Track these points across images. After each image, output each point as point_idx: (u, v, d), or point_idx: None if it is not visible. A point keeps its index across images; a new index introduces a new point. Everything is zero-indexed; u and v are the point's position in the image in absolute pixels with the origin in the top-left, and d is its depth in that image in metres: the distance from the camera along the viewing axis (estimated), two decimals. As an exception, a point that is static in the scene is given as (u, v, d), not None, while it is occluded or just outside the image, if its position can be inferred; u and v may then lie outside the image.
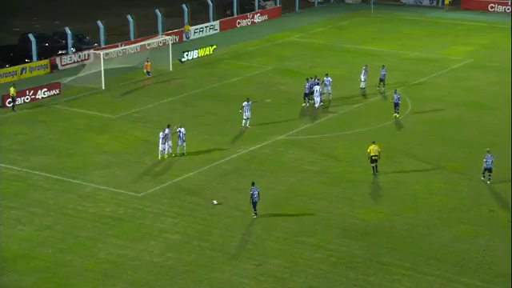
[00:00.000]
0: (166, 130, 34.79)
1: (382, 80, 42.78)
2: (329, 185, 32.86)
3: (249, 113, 38.48)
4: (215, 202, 30.77)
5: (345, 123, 40.14)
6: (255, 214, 29.62)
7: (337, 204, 31.01)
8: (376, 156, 33.06)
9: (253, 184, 29.77)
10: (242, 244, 27.74)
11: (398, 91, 41.42)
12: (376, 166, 33.25)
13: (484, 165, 32.37)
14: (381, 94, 42.28)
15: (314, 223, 29.34)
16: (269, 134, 37.92)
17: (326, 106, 42.35)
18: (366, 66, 45.34)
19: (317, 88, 41.75)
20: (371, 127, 39.50)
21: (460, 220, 29.65)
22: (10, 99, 41.54)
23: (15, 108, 41.55)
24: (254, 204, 29.56)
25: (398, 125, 39.77)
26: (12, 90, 41.63)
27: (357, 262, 26.36)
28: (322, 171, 34.33)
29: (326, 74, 43.61)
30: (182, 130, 35.23)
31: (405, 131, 38.60)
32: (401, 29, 61.16)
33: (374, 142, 33.38)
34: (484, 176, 32.62)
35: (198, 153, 35.85)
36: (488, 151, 32.52)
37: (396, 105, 40.90)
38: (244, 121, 38.58)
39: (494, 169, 32.29)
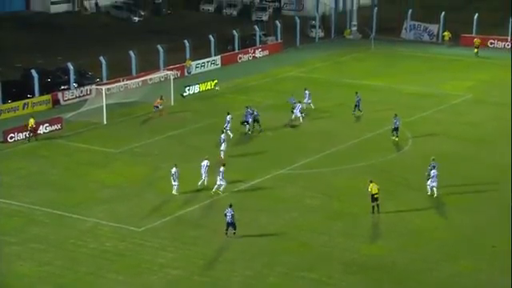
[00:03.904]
0: (205, 162, 34.86)
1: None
2: (329, 219, 32.88)
3: (225, 145, 38.80)
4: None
5: (344, 157, 40.27)
6: (228, 233, 30.33)
7: (338, 238, 31.00)
8: (377, 194, 33.06)
9: (230, 206, 30.56)
10: (244, 279, 27.68)
11: (397, 115, 42.12)
12: (378, 206, 33.12)
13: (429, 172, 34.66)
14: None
15: (315, 258, 29.31)
16: (269, 168, 38.06)
17: (307, 114, 45.54)
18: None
19: (298, 105, 45.05)
20: (371, 161, 39.62)
21: (461, 255, 29.62)
22: (30, 131, 42.08)
23: (31, 139, 42.12)
24: (228, 224, 30.21)
25: (399, 159, 39.91)
26: (32, 121, 42.16)
27: (358, 298, 26.27)
28: (323, 205, 34.38)
29: (305, 88, 47.54)
30: (206, 162, 35.51)
31: (405, 166, 38.73)
32: (401, 64, 61.66)
33: (371, 181, 33.34)
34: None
35: (199, 187, 35.91)
36: (433, 159, 35.03)
37: (396, 129, 41.37)
38: (221, 152, 38.76)
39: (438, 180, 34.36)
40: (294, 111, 45.23)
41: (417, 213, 33.46)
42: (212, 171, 35.91)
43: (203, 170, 35.04)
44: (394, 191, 35.73)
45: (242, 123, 43.24)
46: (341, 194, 35.61)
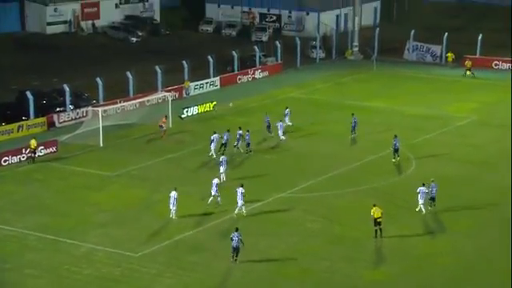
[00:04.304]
0: (215, 180, 35.05)
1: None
2: (331, 244, 32.76)
3: (224, 167, 39.06)
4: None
5: (346, 180, 40.23)
6: (233, 259, 30.21)
7: (339, 264, 30.88)
8: (380, 218, 32.98)
9: (236, 230, 30.45)
10: (242, 306, 27.50)
11: (397, 136, 42.44)
12: (380, 230, 33.05)
13: (430, 194, 35.55)
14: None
15: (316, 284, 29.15)
16: (269, 192, 38.01)
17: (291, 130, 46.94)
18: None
19: (280, 124, 46.03)
20: (374, 184, 39.57)
21: (465, 281, 29.46)
22: (31, 152, 42.19)
23: (30, 161, 42.21)
24: (234, 249, 30.07)
25: (402, 182, 39.87)
26: (33, 142, 42.24)
27: (360, 325, 26.09)
28: (324, 230, 34.27)
29: (286, 107, 48.67)
30: (215, 180, 36.11)
31: (408, 189, 38.62)
32: (403, 85, 61.83)
33: (374, 205, 33.34)
34: (431, 205, 35.69)
35: (197, 211, 35.83)
36: (433, 180, 35.69)
37: (396, 150, 41.93)
38: (221, 175, 38.90)
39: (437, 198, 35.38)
40: (278, 132, 45.84)
41: (420, 237, 33.34)
42: (229, 193, 35.86)
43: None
44: (397, 215, 35.63)
45: (235, 146, 43.45)
46: (342, 217, 35.53)
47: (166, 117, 47.85)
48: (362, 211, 35.02)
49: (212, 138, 43.14)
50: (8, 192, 38.46)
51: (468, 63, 64.15)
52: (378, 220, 33.04)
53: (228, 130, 43.73)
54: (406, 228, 34.38)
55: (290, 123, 48.90)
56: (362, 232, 33.62)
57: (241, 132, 44.08)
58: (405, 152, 44.24)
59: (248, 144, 43.55)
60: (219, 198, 35.83)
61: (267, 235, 33.45)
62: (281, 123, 46.58)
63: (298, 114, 53.02)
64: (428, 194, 35.61)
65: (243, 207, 35.17)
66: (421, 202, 35.56)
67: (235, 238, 30.56)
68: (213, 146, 43.03)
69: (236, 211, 35.20)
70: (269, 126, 46.81)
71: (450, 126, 50.40)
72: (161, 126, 47.08)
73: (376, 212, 33.07)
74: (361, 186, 39.46)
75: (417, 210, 35.67)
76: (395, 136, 42.82)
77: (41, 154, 43.41)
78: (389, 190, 38.58)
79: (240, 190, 35.04)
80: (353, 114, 47.51)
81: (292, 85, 61.39)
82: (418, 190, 35.76)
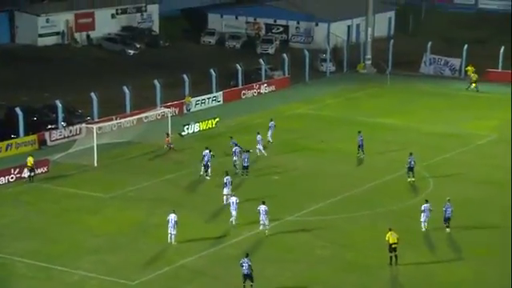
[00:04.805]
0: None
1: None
2: (342, 271, 32.61)
3: (228, 188, 39.17)
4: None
5: (359, 203, 40.14)
6: (244, 285, 30.23)
7: (352, 293, 30.72)
8: (396, 244, 32.86)
9: (246, 255, 30.55)
10: (247, 339, 27.33)
11: (412, 154, 42.69)
12: (396, 257, 32.94)
13: (445, 214, 36.03)
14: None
15: (327, 315, 28.98)
16: (275, 215, 37.89)
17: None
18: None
19: (258, 137, 46.62)
20: (389, 207, 39.47)
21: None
22: (29, 170, 42.44)
23: (33, 178, 42.46)
24: (245, 276, 30.06)
25: (419, 205, 39.68)
26: (31, 160, 42.47)
27: None
28: (335, 256, 34.12)
29: (271, 119, 49.72)
30: (234, 199, 36.41)
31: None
32: (420, 101, 61.85)
33: (390, 229, 33.28)
34: (447, 226, 36.11)
35: (198, 235, 35.75)
36: (448, 200, 36.20)
37: (411, 169, 42.18)
38: (225, 196, 39.11)
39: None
40: (258, 146, 46.41)
41: (439, 264, 33.17)
42: (248, 210, 35.77)
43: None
44: (414, 240, 35.48)
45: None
46: (355, 243, 35.38)
47: (168, 135, 47.94)
48: (376, 236, 34.87)
49: (204, 153, 43.50)
50: (-5, 215, 38.47)
51: (474, 76, 64.27)
52: (394, 246, 32.88)
53: (206, 148, 43.79)
54: (424, 254, 34.22)
55: (270, 139, 49.28)
56: (376, 259, 33.45)
57: (237, 148, 44.24)
58: (422, 172, 44.16)
59: (246, 166, 43.39)
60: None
61: (273, 262, 33.33)
62: (259, 136, 46.93)
63: (307, 132, 53.06)
64: (430, 211, 36.23)
65: (267, 226, 35.72)
66: (423, 219, 36.09)
67: (245, 265, 30.51)
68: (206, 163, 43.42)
69: (262, 228, 35.78)
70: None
71: (470, 144, 50.32)
72: (169, 145, 47.15)
73: (391, 237, 32.93)
74: (375, 208, 39.35)
75: (423, 230, 36.12)
76: (410, 154, 42.99)
77: (31, 175, 43.41)
78: (405, 213, 38.43)
79: (263, 208, 35.54)
80: (359, 132, 47.50)
81: (300, 100, 61.47)
82: (422, 208, 36.21)
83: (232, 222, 36.76)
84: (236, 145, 45.16)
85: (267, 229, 35.86)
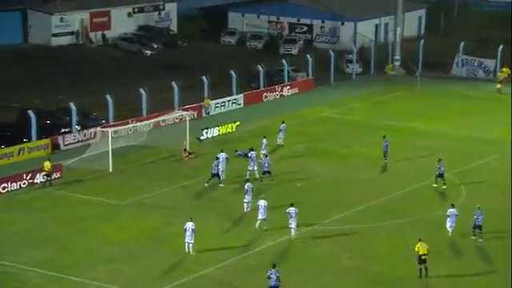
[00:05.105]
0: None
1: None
2: (369, 284, 32.51)
3: (250, 196, 39.31)
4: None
5: (387, 212, 40.01)
6: None
7: (379, 307, 30.65)
8: (426, 255, 32.76)
9: (273, 266, 30.53)
10: None
11: (441, 160, 42.75)
12: (426, 269, 32.83)
13: (475, 222, 36.31)
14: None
15: (353, 330, 28.93)
16: (299, 224, 37.83)
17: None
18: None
19: (264, 140, 46.92)
20: (418, 216, 39.31)
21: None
22: (46, 174, 42.95)
23: (51, 183, 43.02)
24: None
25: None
26: (48, 164, 42.91)
27: None
28: (362, 268, 34.03)
29: (283, 121, 50.22)
30: (263, 202, 36.63)
31: (459, 222, 38.22)
32: (451, 104, 61.54)
33: (420, 240, 33.17)
34: (474, 234, 36.30)
35: (217, 244, 35.83)
36: (479, 208, 36.32)
37: (440, 175, 42.23)
38: (246, 204, 39.30)
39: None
40: (262, 151, 46.05)
41: (472, 278, 32.97)
42: (253, 225, 35.78)
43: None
44: (445, 251, 35.34)
45: (264, 173, 43.52)
46: (382, 254, 35.28)
47: (186, 150, 47.95)
48: (405, 247, 34.77)
49: (218, 156, 43.73)
50: (7, 223, 38.75)
51: (502, 74, 63.85)
52: (424, 257, 32.76)
53: (222, 150, 44.15)
54: (456, 266, 34.04)
55: (281, 142, 49.65)
56: (405, 271, 33.32)
57: (254, 153, 44.35)
58: (453, 179, 43.96)
59: (266, 171, 43.39)
60: (261, 224, 36.20)
61: (297, 273, 33.29)
62: (265, 140, 47.14)
63: (331, 137, 52.99)
64: (456, 216, 36.56)
65: (293, 230, 36.11)
66: (449, 224, 36.31)
67: (273, 276, 30.54)
68: (220, 167, 43.49)
69: (294, 234, 36.17)
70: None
71: (504, 150, 49.91)
72: (189, 154, 47.55)
73: (421, 248, 32.81)
74: (403, 217, 39.20)
75: (449, 235, 36.42)
76: (439, 160, 42.92)
77: (43, 180, 43.76)
78: (436, 223, 38.24)
79: (293, 211, 35.94)
80: (384, 137, 47.35)
81: (325, 103, 61.40)
82: (447, 213, 36.51)
83: (257, 226, 36.93)
84: (245, 154, 45.68)
85: (294, 233, 36.12)
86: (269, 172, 43.47)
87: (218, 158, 43.64)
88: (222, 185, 42.99)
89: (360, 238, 36.92)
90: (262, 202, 37.18)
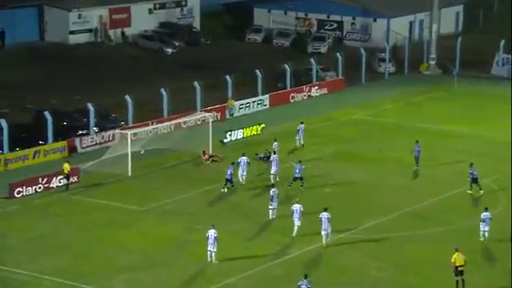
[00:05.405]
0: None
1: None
2: (402, 296, 32.40)
3: (276, 202, 39.32)
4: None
5: (421, 220, 39.85)
6: None
7: (412, 321, 30.52)
8: (462, 266, 32.57)
9: (305, 277, 30.53)
10: None
11: (473, 165, 42.78)
12: (463, 281, 32.61)
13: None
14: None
15: None
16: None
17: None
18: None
19: (274, 144, 47.04)
20: (455, 225, 39.06)
21: None
22: (65, 177, 43.41)
23: (68, 187, 43.39)
24: None
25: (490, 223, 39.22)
26: (67, 166, 43.32)
27: None
28: (393, 279, 33.88)
29: (301, 122, 50.61)
30: (298, 207, 36.66)
31: (497, 231, 37.89)
32: (491, 106, 61.04)
33: (457, 250, 32.99)
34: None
35: (240, 253, 35.84)
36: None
37: (475, 180, 42.23)
38: (271, 211, 39.35)
39: None
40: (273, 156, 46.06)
41: (511, 290, 32.67)
42: (280, 234, 35.74)
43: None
44: (484, 262, 35.10)
45: (295, 179, 43.56)
46: (416, 265, 35.10)
47: (204, 153, 48.11)
48: (441, 257, 34.55)
49: (239, 160, 44.02)
50: (21, 229, 39.07)
51: None
52: (460, 269, 32.58)
53: (243, 154, 44.34)
54: (495, 279, 33.75)
55: (300, 144, 50.09)
56: (441, 283, 33.16)
57: (275, 156, 44.47)
58: (491, 185, 43.61)
59: (298, 178, 43.37)
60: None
61: (324, 284, 33.22)
62: (275, 143, 47.25)
63: (362, 140, 52.83)
64: (490, 220, 36.74)
65: (324, 236, 36.25)
66: (484, 229, 36.46)
67: (304, 287, 30.44)
68: (240, 172, 43.87)
69: (326, 241, 36.31)
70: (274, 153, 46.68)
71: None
72: (211, 157, 47.67)
73: (458, 259, 32.64)
74: (438, 226, 38.99)
75: (481, 239, 36.60)
76: (471, 164, 42.91)
77: (59, 185, 44.07)
78: (474, 232, 37.94)
79: (326, 216, 36.02)
80: (417, 142, 47.12)
81: (355, 105, 61.26)
82: (482, 217, 36.57)
83: (296, 233, 37.08)
84: (267, 158, 45.90)
85: (326, 239, 36.31)
86: (300, 178, 43.40)
87: (233, 163, 43.75)
88: (225, 190, 42.89)
89: (392, 247, 36.74)
90: (298, 207, 37.22)
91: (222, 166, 47.43)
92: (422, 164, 46.96)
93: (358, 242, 37.42)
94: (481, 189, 42.72)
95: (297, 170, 43.49)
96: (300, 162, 44.22)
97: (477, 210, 40.65)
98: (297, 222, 37.10)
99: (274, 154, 45.09)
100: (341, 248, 36.71)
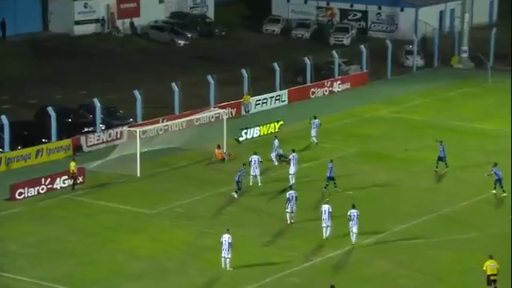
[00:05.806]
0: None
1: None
2: (431, 307, 32.33)
3: (293, 205, 39.35)
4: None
5: (453, 225, 39.78)
6: None
7: (442, 334, 30.45)
8: (495, 275, 32.46)
9: (332, 287, 30.64)
10: None
11: (497, 164, 43.07)
12: None
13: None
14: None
15: None
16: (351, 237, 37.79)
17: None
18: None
19: (275, 142, 47.50)
20: (488, 230, 38.94)
21: None
22: (71, 177, 43.75)
23: (74, 187, 43.69)
24: None
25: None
26: (73, 166, 43.62)
27: None
28: (422, 289, 33.87)
29: (315, 117, 50.55)
30: (327, 207, 37.40)
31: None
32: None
33: (491, 257, 32.87)
34: None
35: (256, 259, 35.85)
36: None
37: (498, 181, 42.42)
38: (289, 214, 39.38)
39: None
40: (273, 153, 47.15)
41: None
42: (297, 240, 35.68)
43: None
44: (518, 270, 34.96)
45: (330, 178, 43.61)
46: (446, 273, 35.02)
47: (219, 146, 48.19)
48: (473, 265, 34.48)
49: (250, 159, 44.24)
50: (23, 233, 39.24)
51: None
52: (493, 278, 32.47)
53: (255, 153, 44.63)
54: (530, 288, 33.62)
55: (315, 141, 50.48)
56: (473, 293, 33.11)
57: (295, 155, 44.52)
58: (529, 189, 43.53)
59: (330, 177, 43.45)
60: (329, 229, 36.98)
61: (347, 293, 33.24)
62: (276, 141, 47.48)
63: (388, 138, 52.74)
64: None
65: (354, 235, 36.63)
66: None
67: None
68: (252, 172, 44.03)
69: (354, 240, 36.68)
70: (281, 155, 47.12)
71: None
72: (223, 156, 47.76)
73: (490, 267, 32.50)
74: (471, 231, 38.90)
75: None
76: (495, 164, 43.06)
77: (63, 186, 44.24)
78: (507, 238, 37.79)
79: (355, 213, 36.35)
80: (441, 142, 46.85)
81: (381, 100, 61.18)
82: None
83: (327, 235, 37.31)
84: (285, 157, 46.20)
85: (355, 239, 36.60)
86: (332, 178, 43.39)
87: (244, 165, 43.86)
88: (235, 195, 42.81)
89: (421, 255, 36.65)
90: (327, 207, 37.30)
91: (237, 167, 47.46)
92: (450, 165, 46.79)
93: (384, 247, 37.35)
94: (504, 191, 42.56)
95: (330, 170, 43.44)
96: (331, 160, 44.17)
97: (508, 215, 40.56)
98: (325, 223, 37.20)
99: (294, 152, 45.05)
100: (366, 254, 36.66)
